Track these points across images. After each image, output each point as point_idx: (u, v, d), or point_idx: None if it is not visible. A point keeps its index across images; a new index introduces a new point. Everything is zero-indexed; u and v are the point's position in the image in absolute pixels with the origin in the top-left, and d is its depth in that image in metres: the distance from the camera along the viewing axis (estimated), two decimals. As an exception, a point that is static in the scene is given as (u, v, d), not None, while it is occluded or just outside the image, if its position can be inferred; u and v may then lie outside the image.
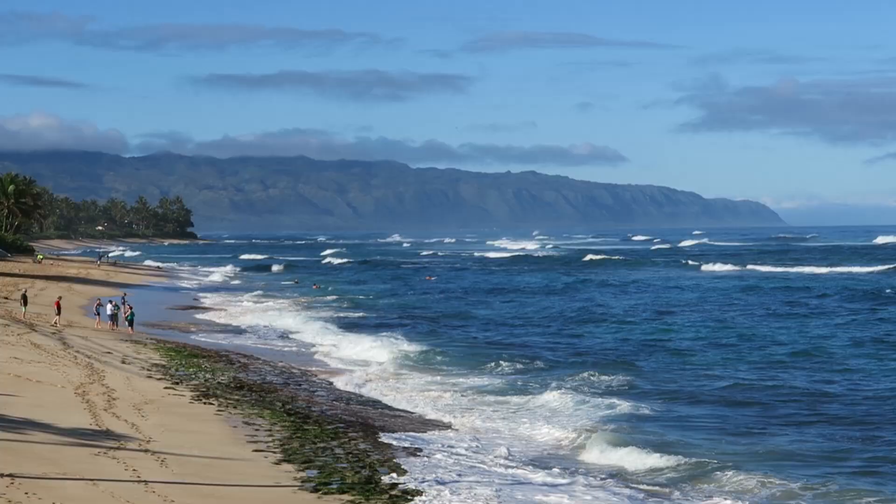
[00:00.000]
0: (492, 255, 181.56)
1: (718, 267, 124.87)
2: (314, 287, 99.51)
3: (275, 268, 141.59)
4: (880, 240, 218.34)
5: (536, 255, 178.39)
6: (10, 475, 20.37)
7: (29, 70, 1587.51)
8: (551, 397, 35.68)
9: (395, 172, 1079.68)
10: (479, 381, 40.81)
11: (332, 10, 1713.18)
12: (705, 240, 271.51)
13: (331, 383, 40.37)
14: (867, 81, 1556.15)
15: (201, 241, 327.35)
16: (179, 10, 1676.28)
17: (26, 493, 19.38)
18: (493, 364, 44.49)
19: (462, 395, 37.30)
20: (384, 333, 56.58)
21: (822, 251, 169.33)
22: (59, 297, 58.13)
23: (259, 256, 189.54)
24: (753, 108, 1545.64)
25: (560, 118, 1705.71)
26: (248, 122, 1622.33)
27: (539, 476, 25.33)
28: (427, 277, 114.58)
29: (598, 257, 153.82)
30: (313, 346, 53.43)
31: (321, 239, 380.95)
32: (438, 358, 47.33)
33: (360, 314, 70.79)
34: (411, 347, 50.27)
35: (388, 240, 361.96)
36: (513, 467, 26.28)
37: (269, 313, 69.42)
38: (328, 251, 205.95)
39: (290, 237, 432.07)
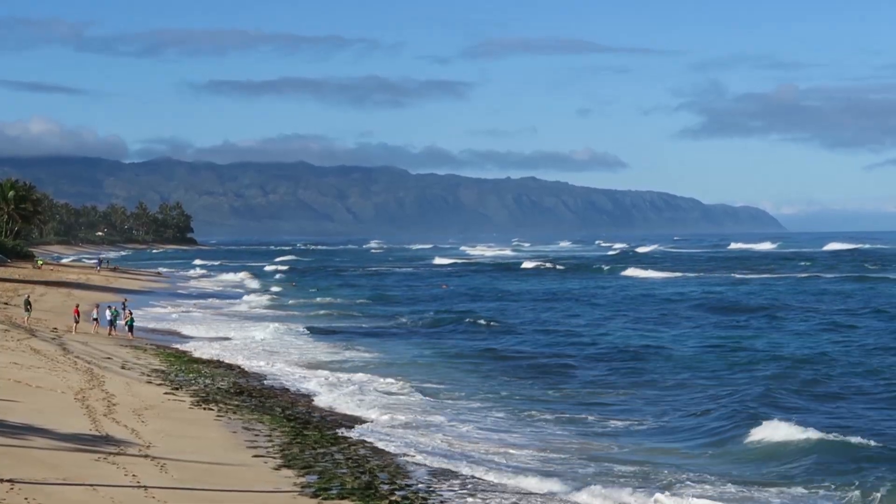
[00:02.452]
0: (441, 261, 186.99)
1: (638, 273, 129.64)
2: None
3: (231, 275, 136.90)
4: (829, 247, 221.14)
5: (481, 262, 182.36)
6: (9, 480, 20.36)
7: (29, 76, 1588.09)
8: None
9: (396, 178, 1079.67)
10: (449, 386, 41.24)
11: (331, 15, 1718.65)
12: (679, 247, 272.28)
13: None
14: (867, 87, 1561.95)
15: (198, 247, 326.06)
16: (179, 16, 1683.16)
17: (26, 499, 19.38)
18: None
19: (438, 402, 37.29)
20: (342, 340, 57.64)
21: (769, 258, 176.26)
22: (77, 305, 59.94)
23: (217, 262, 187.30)
24: (753, 114, 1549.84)
25: (560, 124, 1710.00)
26: (249, 128, 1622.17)
27: (543, 484, 25.18)
28: (442, 286, 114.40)
29: (532, 265, 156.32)
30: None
31: (299, 245, 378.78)
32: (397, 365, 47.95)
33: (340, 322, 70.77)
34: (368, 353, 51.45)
35: (365, 246, 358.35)
36: (508, 471, 26.24)
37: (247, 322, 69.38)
38: (278, 258, 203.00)
39: (285, 242, 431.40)
